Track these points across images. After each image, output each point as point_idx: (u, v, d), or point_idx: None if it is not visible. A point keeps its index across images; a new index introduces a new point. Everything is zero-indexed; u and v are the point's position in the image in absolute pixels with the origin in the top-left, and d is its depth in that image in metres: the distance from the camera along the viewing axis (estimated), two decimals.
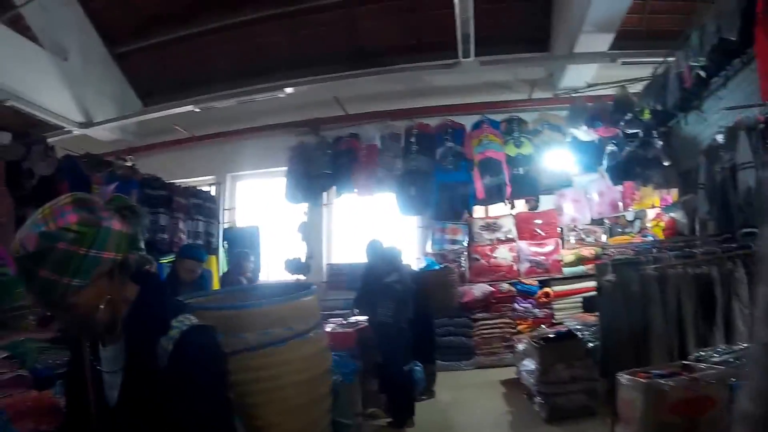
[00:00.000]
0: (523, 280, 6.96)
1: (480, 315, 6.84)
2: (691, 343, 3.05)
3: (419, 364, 5.23)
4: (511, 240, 7.22)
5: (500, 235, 7.26)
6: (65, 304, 1.10)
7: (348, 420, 3.52)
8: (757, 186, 3.17)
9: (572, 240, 7.25)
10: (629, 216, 6.96)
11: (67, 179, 4.39)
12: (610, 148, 5.73)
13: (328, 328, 4.16)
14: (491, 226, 7.31)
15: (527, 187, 6.00)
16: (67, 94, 7.42)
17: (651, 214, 6.61)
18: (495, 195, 5.79)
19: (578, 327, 4.81)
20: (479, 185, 5.72)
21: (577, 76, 7.11)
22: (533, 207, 7.37)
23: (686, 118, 4.76)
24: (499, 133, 6.00)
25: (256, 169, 8.68)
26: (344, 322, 4.78)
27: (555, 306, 6.83)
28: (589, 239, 7.22)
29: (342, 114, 7.87)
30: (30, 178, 4.14)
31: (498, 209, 7.26)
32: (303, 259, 7.57)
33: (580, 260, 6.90)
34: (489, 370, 6.47)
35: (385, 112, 7.50)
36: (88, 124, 7.82)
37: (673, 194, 5.83)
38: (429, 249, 7.40)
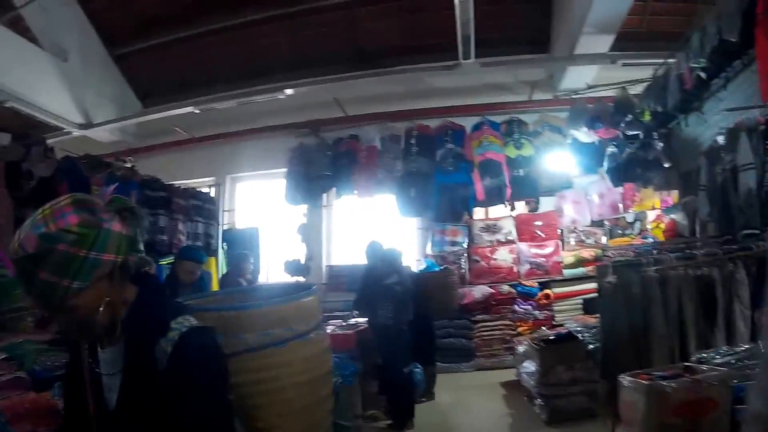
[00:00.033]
0: (523, 282, 6.96)
1: (480, 317, 6.84)
2: (692, 344, 3.04)
3: (419, 366, 5.21)
4: (512, 242, 7.22)
5: (500, 237, 7.26)
6: (65, 307, 1.09)
7: (347, 422, 3.51)
8: (758, 187, 3.17)
9: (572, 242, 7.25)
10: (629, 218, 6.96)
11: (66, 180, 4.37)
12: (610, 149, 5.73)
13: (328, 330, 4.15)
14: (491, 228, 7.31)
15: (527, 189, 6.00)
16: (67, 95, 7.42)
17: (651, 215, 6.61)
18: (495, 196, 5.79)
19: (578, 329, 4.80)
20: (479, 187, 5.71)
21: (578, 78, 7.10)
22: (533, 209, 7.38)
23: (687, 119, 4.77)
24: (500, 135, 6.00)
25: (255, 171, 8.67)
26: (344, 323, 4.78)
27: (555, 308, 6.83)
28: (589, 241, 7.22)
29: (342, 115, 7.87)
30: (29, 179, 4.12)
31: (498, 211, 7.26)
32: (302, 261, 7.56)
33: (581, 262, 6.90)
34: (489, 372, 6.46)
35: (385, 114, 7.50)
36: (87, 125, 7.82)
37: (673, 196, 5.84)
38: (429, 251, 7.40)
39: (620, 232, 7.04)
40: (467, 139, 6.02)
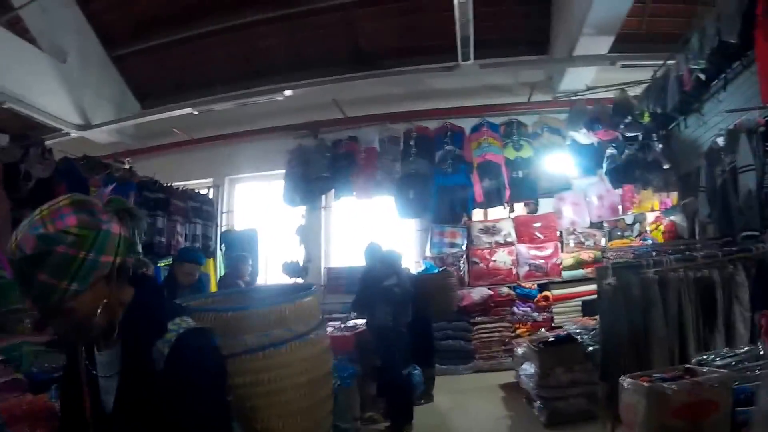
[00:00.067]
0: (522, 284, 6.96)
1: (479, 319, 6.82)
2: (692, 346, 3.03)
3: (418, 368, 5.20)
4: (510, 243, 7.21)
5: (499, 239, 7.25)
6: (62, 309, 1.07)
7: (346, 424, 3.51)
8: (758, 189, 3.17)
9: (571, 243, 7.24)
10: (629, 219, 6.96)
11: (64, 182, 4.37)
12: (609, 151, 5.74)
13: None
14: (490, 230, 7.30)
15: (526, 190, 6.00)
16: (66, 96, 7.41)
17: (650, 217, 6.61)
18: (494, 198, 5.80)
19: (578, 331, 4.79)
20: (478, 188, 5.72)
21: (577, 79, 7.12)
22: (532, 210, 7.38)
23: (686, 121, 4.77)
24: (499, 136, 6.01)
25: (254, 172, 8.67)
26: (342, 325, 4.77)
27: (554, 309, 6.82)
28: (588, 243, 7.22)
29: (341, 117, 7.86)
30: (27, 180, 4.12)
31: (497, 212, 7.26)
32: (301, 263, 7.54)
33: (580, 264, 6.90)
34: (488, 374, 6.45)
35: (384, 115, 7.49)
36: (86, 126, 7.81)
37: (672, 197, 5.84)
38: (428, 252, 7.39)
39: (619, 233, 7.04)
40: (466, 141, 6.02)
